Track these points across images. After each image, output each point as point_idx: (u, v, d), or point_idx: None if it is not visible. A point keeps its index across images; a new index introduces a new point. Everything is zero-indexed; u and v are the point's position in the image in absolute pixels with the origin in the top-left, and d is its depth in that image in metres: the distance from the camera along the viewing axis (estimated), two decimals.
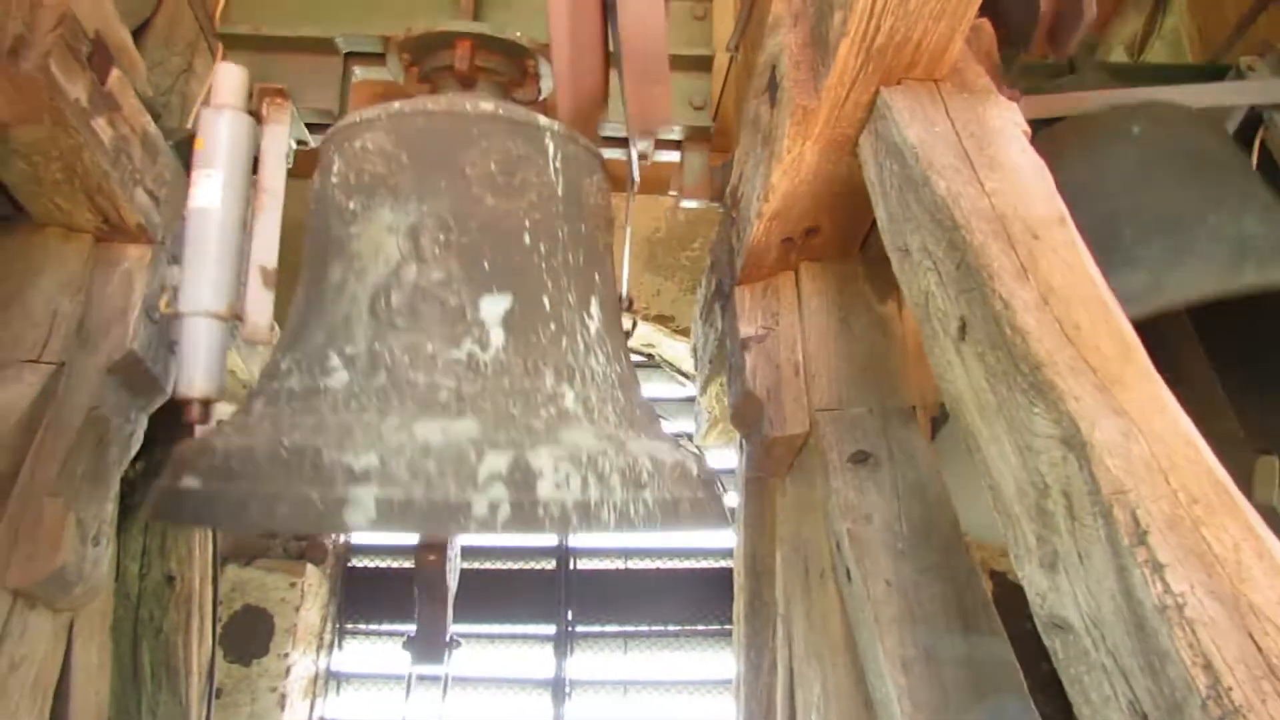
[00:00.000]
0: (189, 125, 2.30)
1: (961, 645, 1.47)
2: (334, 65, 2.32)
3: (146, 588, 2.50)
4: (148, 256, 1.96)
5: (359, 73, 2.36)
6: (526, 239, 1.70)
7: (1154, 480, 1.00)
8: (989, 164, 1.37)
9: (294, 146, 2.02)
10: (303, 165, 2.01)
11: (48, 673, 1.81)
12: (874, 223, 1.89)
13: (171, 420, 2.22)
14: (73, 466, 1.79)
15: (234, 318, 1.79)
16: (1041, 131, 2.11)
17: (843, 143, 1.69)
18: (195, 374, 1.75)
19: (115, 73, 1.79)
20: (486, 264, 1.65)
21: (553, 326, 1.66)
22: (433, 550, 1.97)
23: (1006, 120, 1.48)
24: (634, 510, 1.47)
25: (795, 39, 1.68)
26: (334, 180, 1.74)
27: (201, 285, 1.74)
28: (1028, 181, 1.34)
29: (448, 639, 2.05)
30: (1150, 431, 1.04)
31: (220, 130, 1.75)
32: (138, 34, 2.15)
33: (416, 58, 2.07)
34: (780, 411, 1.96)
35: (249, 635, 3.67)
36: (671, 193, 2.40)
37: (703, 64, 2.36)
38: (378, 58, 2.35)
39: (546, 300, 1.68)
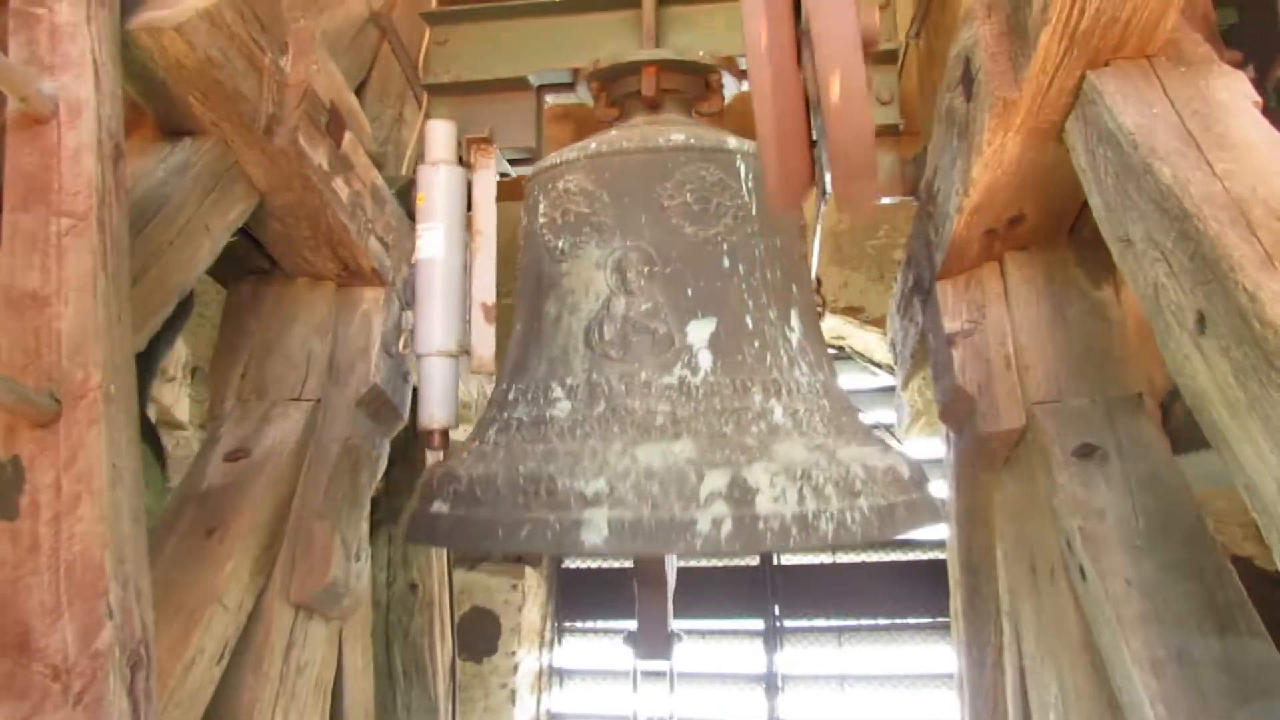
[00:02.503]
0: (404, 171, 2.51)
1: (1217, 646, 1.40)
2: (528, 100, 2.44)
3: (394, 595, 2.73)
4: (382, 297, 2.15)
5: (551, 99, 2.48)
6: (725, 262, 1.77)
7: None
8: (1218, 143, 1.30)
9: (499, 178, 2.16)
10: (505, 191, 2.16)
11: (326, 674, 2.03)
12: (1083, 206, 1.83)
13: (402, 442, 2.44)
14: (334, 491, 1.99)
15: (463, 353, 1.94)
16: None
17: (1047, 130, 1.64)
18: (434, 408, 1.93)
19: (348, 135, 1.98)
20: (690, 291, 1.73)
21: (756, 344, 1.72)
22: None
23: (1234, 92, 1.40)
24: (850, 519, 1.51)
25: (990, 30, 1.65)
26: (541, 220, 1.87)
27: (433, 328, 1.91)
28: (1265, 159, 1.26)
29: (670, 633, 2.13)
30: None
31: (437, 185, 1.91)
32: (357, 93, 2.36)
33: (605, 86, 2.17)
34: (993, 406, 1.93)
35: (479, 635, 3.93)
36: None
37: (889, 57, 2.33)
38: (568, 88, 2.46)
39: (749, 319, 1.75)
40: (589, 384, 1.67)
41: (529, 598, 4.07)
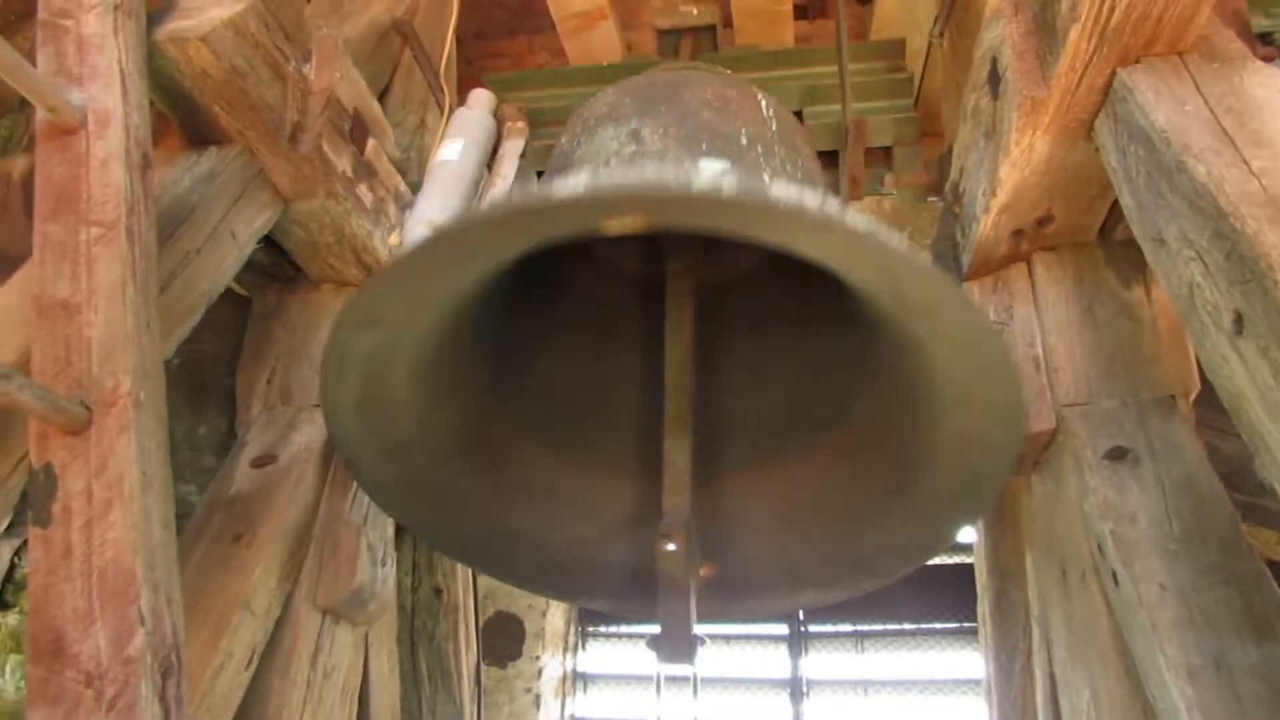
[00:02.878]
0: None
1: (1254, 653, 1.38)
2: None
3: (419, 600, 2.74)
4: None
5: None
6: (744, 140, 1.68)
7: None
8: (1254, 140, 1.28)
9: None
10: None
11: (352, 679, 2.03)
12: (1113, 205, 1.81)
13: None
14: (360, 497, 1.99)
15: None
16: None
17: (1076, 129, 1.62)
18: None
19: (371, 142, 1.99)
20: (704, 145, 1.62)
21: None
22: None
23: (1269, 88, 1.37)
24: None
25: (1017, 29, 1.63)
26: (562, 143, 1.84)
27: (432, 207, 1.92)
28: None
29: (694, 637, 2.10)
30: None
31: (468, 120, 1.93)
32: (380, 99, 2.36)
33: None
34: None
35: (503, 639, 3.93)
36: (886, 191, 2.37)
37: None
38: None
39: (767, 178, 1.60)
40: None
41: (553, 602, 4.07)
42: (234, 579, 1.72)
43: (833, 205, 1.07)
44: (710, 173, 1.07)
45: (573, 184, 1.05)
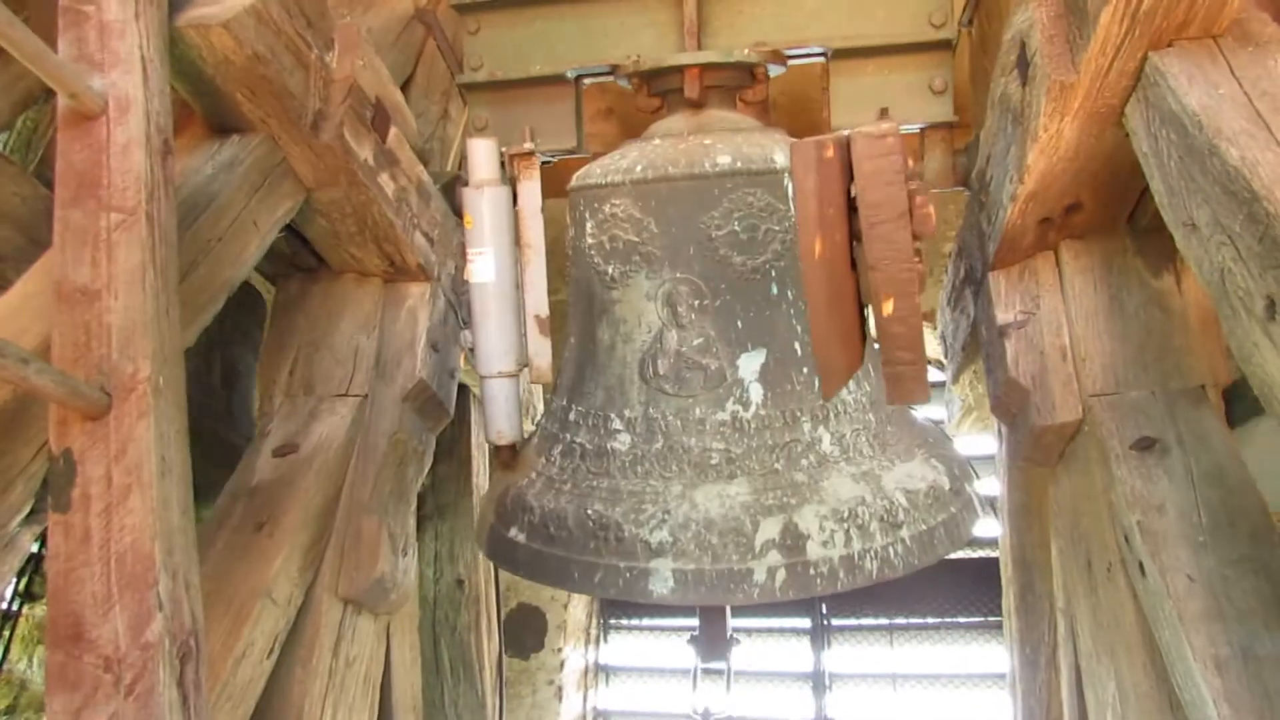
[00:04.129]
0: (450, 167, 2.52)
1: None
2: (568, 96, 2.39)
3: (441, 591, 2.75)
4: (428, 292, 2.15)
5: (589, 80, 2.41)
6: (774, 290, 1.79)
7: None
8: None
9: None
10: (547, 183, 2.13)
11: (374, 669, 2.04)
12: (1142, 193, 1.77)
13: (447, 438, 2.46)
14: (381, 486, 2.00)
15: (521, 367, 1.95)
16: None
17: (1106, 114, 1.59)
18: (501, 425, 1.96)
19: (393, 131, 1.98)
20: (739, 323, 1.78)
21: (805, 370, 1.78)
22: None
23: None
24: (893, 553, 1.66)
25: (1047, 12, 1.60)
26: (589, 241, 1.88)
27: (492, 350, 1.93)
28: None
29: (730, 636, 2.13)
30: None
31: (483, 209, 1.90)
32: (403, 89, 2.36)
33: (646, 81, 2.14)
34: (1048, 399, 1.88)
35: (526, 631, 3.94)
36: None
37: (942, 47, 2.26)
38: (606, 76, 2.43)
39: (797, 346, 1.79)
40: (646, 419, 1.77)
41: (575, 595, 4.08)
42: (256, 568, 1.72)
43: (856, 556, 1.59)
44: (764, 569, 1.58)
45: (657, 586, 1.60)
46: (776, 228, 1.78)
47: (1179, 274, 1.84)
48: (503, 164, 1.98)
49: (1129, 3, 1.37)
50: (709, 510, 1.63)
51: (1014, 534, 2.43)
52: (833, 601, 4.13)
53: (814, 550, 1.59)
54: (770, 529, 1.60)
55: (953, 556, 4.20)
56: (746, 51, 2.05)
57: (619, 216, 1.83)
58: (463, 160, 2.05)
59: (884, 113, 2.20)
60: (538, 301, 1.94)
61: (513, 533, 1.79)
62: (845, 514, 1.64)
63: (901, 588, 4.14)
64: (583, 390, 1.88)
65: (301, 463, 1.93)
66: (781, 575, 1.57)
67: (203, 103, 1.75)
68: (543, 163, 2.12)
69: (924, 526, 1.71)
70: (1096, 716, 1.81)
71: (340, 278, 2.17)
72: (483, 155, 1.92)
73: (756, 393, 1.75)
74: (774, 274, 1.79)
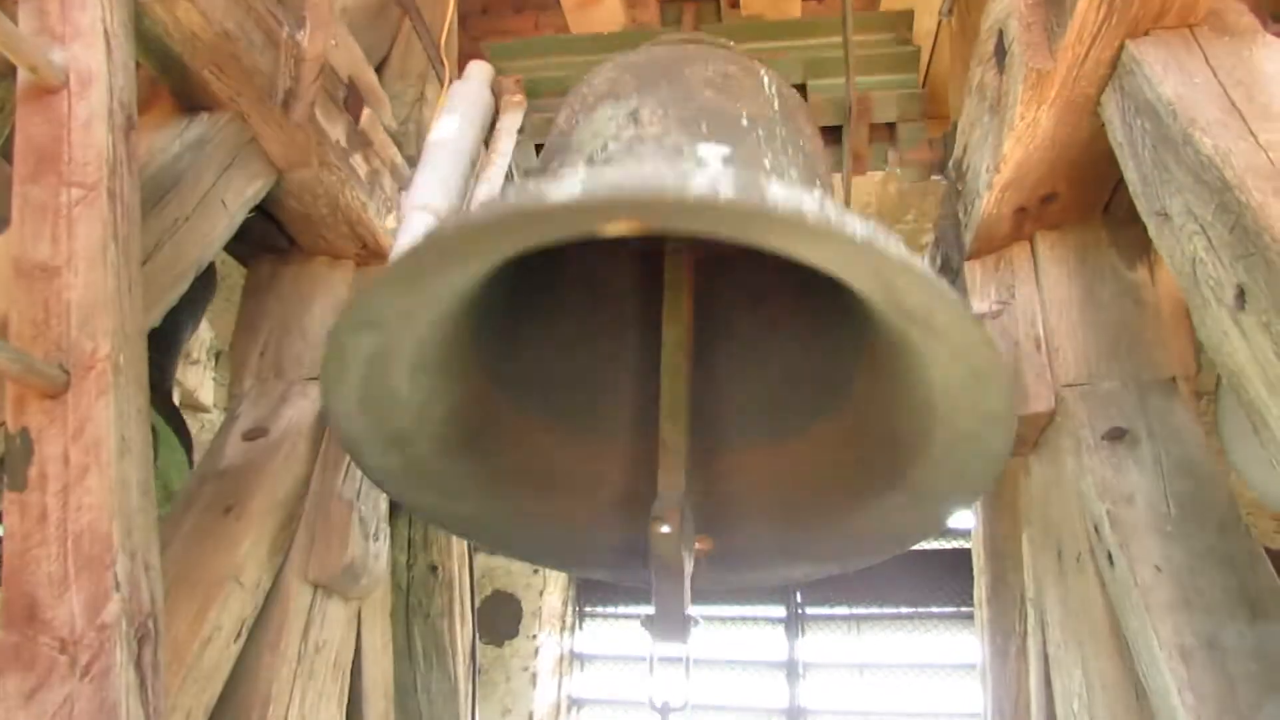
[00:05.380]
0: None
1: (1249, 635, 1.36)
2: None
3: (414, 577, 2.72)
4: None
5: None
6: (744, 122, 1.66)
7: None
8: (1263, 114, 1.25)
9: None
10: None
11: (345, 654, 2.02)
12: (1117, 184, 1.78)
13: None
14: (352, 471, 1.98)
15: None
16: None
17: (1082, 104, 1.59)
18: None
19: (366, 111, 1.96)
20: (704, 127, 1.59)
21: (775, 178, 1.57)
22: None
23: None
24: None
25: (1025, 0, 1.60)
26: (561, 119, 1.81)
27: (427, 189, 1.83)
28: None
29: (687, 617, 2.08)
30: None
31: (465, 93, 1.87)
32: (378, 70, 2.33)
33: None
34: (1021, 389, 1.88)
35: (500, 618, 3.93)
36: (890, 169, 2.34)
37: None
38: None
39: (767, 163, 1.60)
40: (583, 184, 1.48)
41: (550, 582, 4.07)
42: (223, 551, 1.70)
43: (831, 211, 1.06)
44: (707, 175, 1.03)
45: (566, 188, 1.03)
46: (751, 89, 1.72)
47: (1152, 266, 1.84)
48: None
49: None
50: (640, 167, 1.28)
51: (986, 524, 2.43)
52: (807, 591, 4.15)
53: (776, 190, 1.03)
54: (718, 151, 1.30)
55: (925, 547, 4.23)
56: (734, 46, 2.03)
57: (595, 82, 1.74)
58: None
59: None
60: (489, 192, 1.87)
61: None
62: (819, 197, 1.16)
63: (875, 577, 4.18)
64: None
65: (271, 446, 1.90)
66: (727, 184, 1.00)
67: (170, 79, 1.72)
68: None
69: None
70: (1063, 705, 1.82)
71: (312, 260, 2.14)
72: (477, 69, 1.89)
73: (716, 166, 1.48)
74: (745, 113, 1.66)
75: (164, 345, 2.95)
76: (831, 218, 1.05)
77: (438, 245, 1.15)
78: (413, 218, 1.83)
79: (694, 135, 1.56)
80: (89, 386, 1.13)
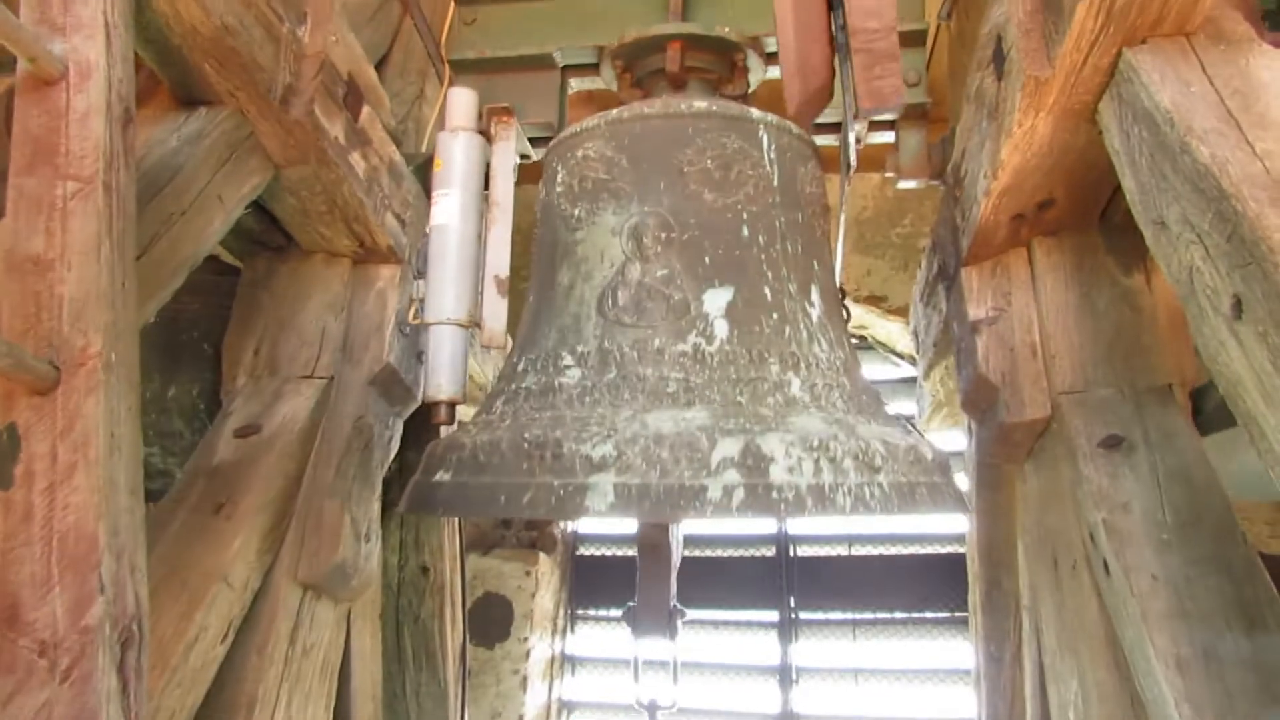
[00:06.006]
0: (424, 149, 2.48)
1: (1246, 645, 1.36)
2: (553, 79, 2.44)
3: (405, 578, 2.71)
4: (397, 275, 2.12)
5: (575, 84, 2.46)
6: (745, 231, 1.71)
7: None
8: (1259, 123, 1.24)
9: (519, 160, 2.12)
10: (526, 174, 2.12)
11: (333, 656, 2.01)
12: (1115, 191, 1.77)
13: (417, 424, 2.42)
14: (345, 470, 1.97)
15: (473, 325, 1.89)
16: None
17: (1080, 111, 1.59)
18: (442, 378, 1.84)
19: (366, 109, 1.95)
20: (707, 259, 1.67)
21: (775, 316, 1.66)
22: (655, 527, 2.00)
23: (1276, 72, 1.34)
24: (869, 494, 1.42)
25: (1023, 6, 1.59)
26: (559, 189, 1.82)
27: (444, 297, 1.84)
28: None
29: (671, 608, 2.01)
30: None
31: (455, 152, 1.86)
32: (378, 68, 2.32)
33: (629, 64, 2.13)
34: (1018, 396, 1.88)
35: (491, 620, 3.91)
36: (888, 173, 2.33)
37: (915, 39, 2.27)
38: (592, 68, 2.44)
39: (768, 291, 1.68)
40: (600, 351, 1.61)
41: (542, 584, 4.05)
42: (212, 550, 1.69)
43: (829, 496, 1.39)
44: (721, 485, 1.36)
45: (598, 499, 1.37)
46: (750, 172, 1.74)
47: (1149, 273, 1.84)
48: (481, 128, 1.96)
49: None
50: (661, 428, 1.42)
51: (981, 530, 2.43)
52: (801, 595, 4.14)
53: (778, 474, 1.37)
54: (729, 448, 1.38)
55: (921, 551, 4.20)
56: (727, 30, 2.04)
57: (590, 157, 1.77)
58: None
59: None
60: (499, 261, 1.87)
61: (438, 476, 1.59)
62: (815, 444, 1.42)
63: (870, 582, 4.17)
64: (535, 339, 1.74)
65: (263, 444, 1.90)
66: (740, 495, 1.34)
67: (169, 73, 1.71)
68: (522, 157, 2.11)
69: (904, 479, 1.48)
70: (1059, 714, 1.82)
71: (309, 257, 2.14)
72: (461, 104, 1.89)
73: (722, 328, 1.60)
74: (745, 216, 1.72)
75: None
76: (827, 501, 1.37)
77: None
78: (439, 334, 1.85)
79: (697, 278, 1.65)
80: (79, 383, 1.12)
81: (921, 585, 4.01)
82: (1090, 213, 1.87)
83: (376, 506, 2.13)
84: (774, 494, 1.36)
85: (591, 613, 4.38)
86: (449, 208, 1.86)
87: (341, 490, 1.95)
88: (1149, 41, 1.44)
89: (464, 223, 1.87)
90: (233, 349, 2.10)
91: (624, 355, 1.59)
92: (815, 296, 1.76)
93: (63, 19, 1.33)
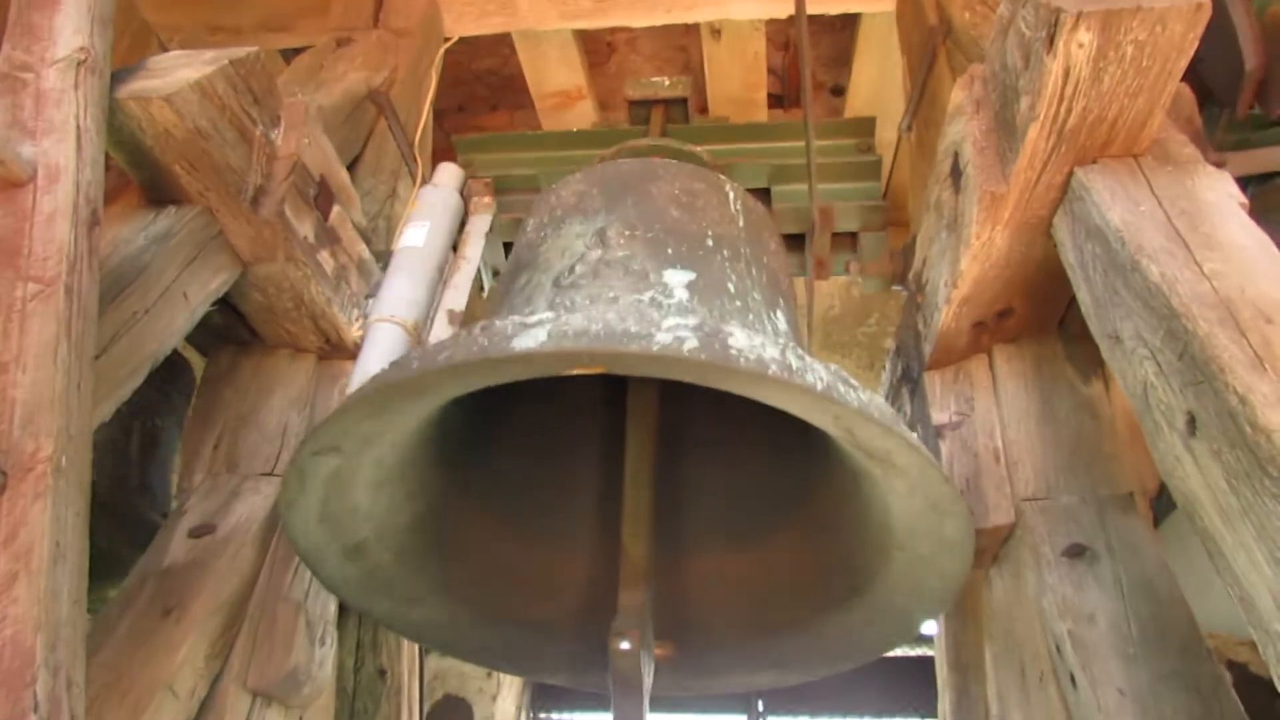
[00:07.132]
0: (394, 245, 2.50)
1: None
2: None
3: (361, 681, 2.62)
4: None
5: None
6: (710, 242, 1.71)
7: None
8: (1205, 243, 1.29)
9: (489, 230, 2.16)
10: None
11: None
12: (1071, 300, 1.82)
13: None
14: (302, 572, 1.92)
15: (415, 335, 1.86)
16: (1253, 189, 1.98)
17: (1035, 224, 1.64)
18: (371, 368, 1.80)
19: (336, 208, 1.97)
20: (670, 250, 1.62)
21: (739, 304, 1.58)
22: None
23: (1220, 193, 1.40)
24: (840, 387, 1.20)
25: (978, 125, 1.66)
26: (529, 228, 1.85)
27: (395, 300, 1.83)
28: (1253, 260, 1.25)
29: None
30: None
31: (435, 199, 1.90)
32: (351, 167, 2.36)
33: None
34: (982, 501, 1.88)
35: None
36: (852, 277, 2.38)
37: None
38: None
39: (731, 286, 1.61)
40: (551, 307, 1.46)
41: (504, 686, 3.94)
42: (158, 657, 1.63)
43: (793, 361, 1.15)
44: (671, 326, 1.13)
45: (531, 337, 1.11)
46: (716, 205, 1.78)
47: (1107, 381, 1.87)
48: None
49: (1055, 120, 1.43)
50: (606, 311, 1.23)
51: (950, 636, 2.40)
52: (769, 698, 4.05)
53: (739, 341, 1.13)
54: (684, 319, 1.15)
55: (890, 654, 4.14)
56: (701, 150, 2.10)
57: (563, 194, 1.79)
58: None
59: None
60: (457, 298, 1.89)
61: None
62: (782, 344, 1.19)
63: (839, 685, 4.09)
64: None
65: (218, 544, 1.85)
66: (692, 342, 1.10)
67: (140, 173, 1.73)
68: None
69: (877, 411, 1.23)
70: None
71: (274, 353, 2.12)
72: (448, 173, 1.93)
73: (681, 295, 1.48)
74: (711, 233, 1.71)
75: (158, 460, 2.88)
76: (793, 368, 1.14)
77: (401, 383, 1.20)
78: (379, 330, 1.84)
79: (660, 260, 1.60)
80: (26, 489, 1.09)
81: (891, 687, 3.95)
82: (1049, 321, 1.91)
83: (333, 608, 2.07)
84: (732, 350, 1.11)
85: (554, 717, 4.26)
86: (418, 233, 1.88)
87: (298, 591, 1.89)
88: (1099, 161, 1.50)
89: (428, 249, 1.88)
90: (191, 444, 2.06)
91: (576, 304, 1.48)
92: (781, 319, 1.74)
93: (35, 123, 1.35)
